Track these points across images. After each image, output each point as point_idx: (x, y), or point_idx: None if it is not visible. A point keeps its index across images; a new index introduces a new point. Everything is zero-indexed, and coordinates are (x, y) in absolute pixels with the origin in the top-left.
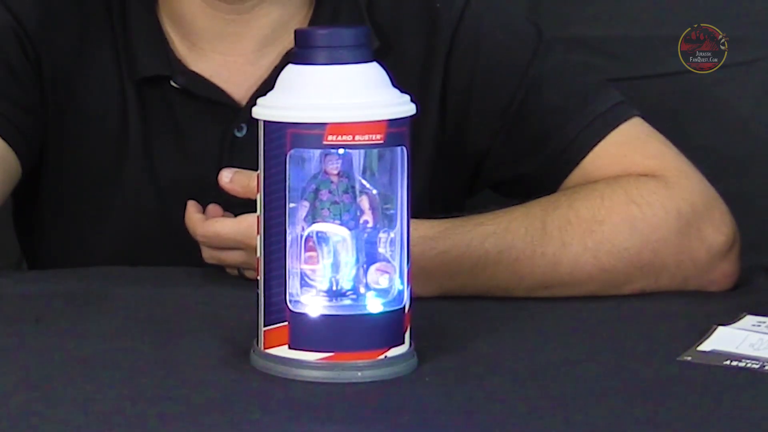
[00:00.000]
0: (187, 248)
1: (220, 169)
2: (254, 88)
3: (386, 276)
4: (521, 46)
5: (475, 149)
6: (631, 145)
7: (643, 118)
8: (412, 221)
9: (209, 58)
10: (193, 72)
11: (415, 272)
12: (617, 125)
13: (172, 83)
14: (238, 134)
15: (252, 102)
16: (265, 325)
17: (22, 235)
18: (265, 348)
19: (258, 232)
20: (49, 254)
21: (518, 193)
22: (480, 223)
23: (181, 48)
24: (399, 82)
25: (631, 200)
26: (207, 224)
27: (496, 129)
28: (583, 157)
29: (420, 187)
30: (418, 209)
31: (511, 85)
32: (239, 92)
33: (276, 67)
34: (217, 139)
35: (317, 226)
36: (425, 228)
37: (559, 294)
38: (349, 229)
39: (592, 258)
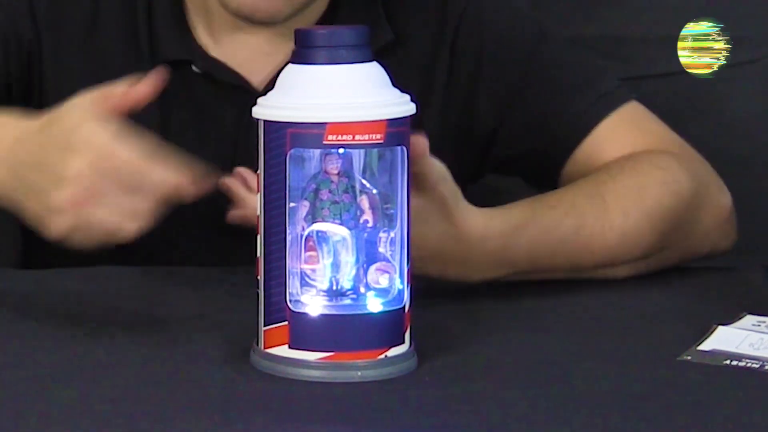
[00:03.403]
0: (198, 232)
1: (235, 152)
2: (272, 75)
3: (386, 276)
4: (525, 30)
5: (483, 130)
6: (634, 123)
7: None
8: (487, 212)
9: (228, 46)
10: (213, 58)
11: (500, 262)
12: (619, 105)
13: (194, 68)
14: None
15: (269, 87)
16: (265, 325)
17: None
18: (265, 348)
19: (258, 232)
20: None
21: (525, 170)
22: (551, 206)
23: (202, 35)
24: (406, 72)
25: (656, 166)
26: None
27: (504, 108)
28: (590, 130)
29: None
30: None
31: (518, 67)
32: (257, 78)
33: None
34: (233, 123)
35: (317, 226)
36: (506, 218)
37: (619, 271)
38: (349, 229)
39: (648, 225)
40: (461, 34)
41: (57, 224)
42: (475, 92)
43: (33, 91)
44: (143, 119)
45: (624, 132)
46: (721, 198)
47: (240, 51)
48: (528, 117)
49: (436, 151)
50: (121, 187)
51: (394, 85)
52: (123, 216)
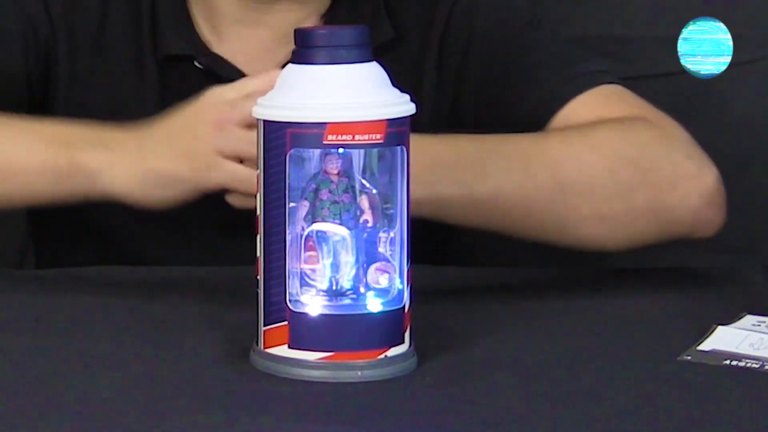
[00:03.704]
0: (198, 232)
1: None
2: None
3: (386, 275)
4: (514, 18)
5: (470, 116)
6: (614, 97)
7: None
8: (430, 138)
9: (231, 43)
10: (216, 54)
11: (437, 170)
12: (598, 84)
13: (196, 63)
14: None
15: None
16: (265, 325)
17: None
18: (265, 348)
19: (258, 232)
20: (62, 230)
21: None
22: (488, 135)
23: (205, 30)
24: (404, 68)
25: (620, 125)
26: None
27: (484, 90)
28: (562, 106)
29: None
30: None
31: (501, 51)
32: None
33: None
34: None
35: (317, 226)
36: (443, 139)
37: (571, 204)
38: (349, 229)
39: (597, 158)
40: (451, 28)
41: (198, 161)
42: (464, 83)
43: (49, 89)
44: (142, 114)
45: (598, 105)
46: (704, 168)
47: (243, 47)
48: (508, 100)
49: None
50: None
51: (393, 83)
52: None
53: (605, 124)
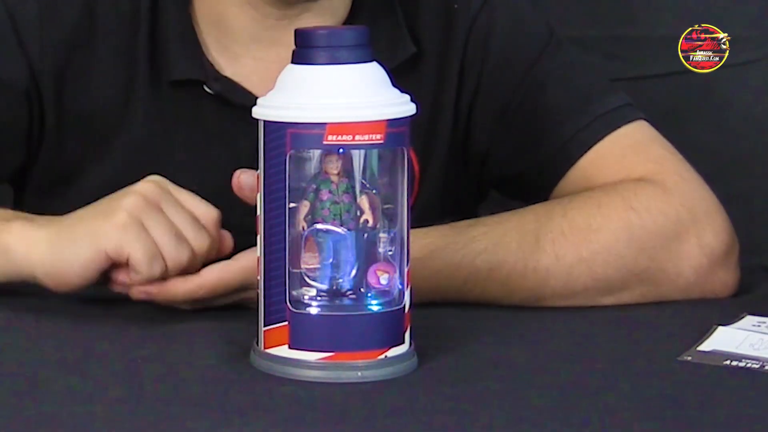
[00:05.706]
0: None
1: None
2: None
3: (386, 276)
4: (529, 44)
5: (479, 147)
6: (632, 148)
7: (648, 122)
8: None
9: (243, 63)
10: (226, 78)
11: None
12: (618, 127)
13: (206, 88)
14: None
15: None
16: (265, 325)
17: None
18: (265, 348)
19: (258, 232)
20: None
21: (519, 193)
22: (472, 238)
23: (214, 51)
24: (421, 84)
25: (629, 206)
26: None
27: (496, 125)
28: (581, 155)
29: (432, 188)
30: (429, 211)
31: (514, 82)
32: None
33: None
34: (247, 147)
35: (317, 226)
36: (416, 248)
37: (551, 305)
38: (349, 229)
39: (586, 269)
40: (470, 44)
41: (116, 218)
42: (474, 106)
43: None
44: (148, 144)
45: (621, 155)
46: (714, 242)
47: (257, 68)
48: (520, 137)
49: (447, 169)
50: (170, 220)
51: (414, 101)
52: (172, 236)
53: (614, 214)
